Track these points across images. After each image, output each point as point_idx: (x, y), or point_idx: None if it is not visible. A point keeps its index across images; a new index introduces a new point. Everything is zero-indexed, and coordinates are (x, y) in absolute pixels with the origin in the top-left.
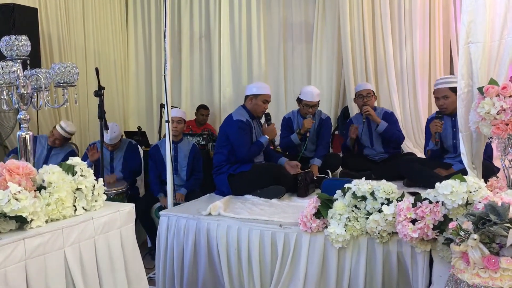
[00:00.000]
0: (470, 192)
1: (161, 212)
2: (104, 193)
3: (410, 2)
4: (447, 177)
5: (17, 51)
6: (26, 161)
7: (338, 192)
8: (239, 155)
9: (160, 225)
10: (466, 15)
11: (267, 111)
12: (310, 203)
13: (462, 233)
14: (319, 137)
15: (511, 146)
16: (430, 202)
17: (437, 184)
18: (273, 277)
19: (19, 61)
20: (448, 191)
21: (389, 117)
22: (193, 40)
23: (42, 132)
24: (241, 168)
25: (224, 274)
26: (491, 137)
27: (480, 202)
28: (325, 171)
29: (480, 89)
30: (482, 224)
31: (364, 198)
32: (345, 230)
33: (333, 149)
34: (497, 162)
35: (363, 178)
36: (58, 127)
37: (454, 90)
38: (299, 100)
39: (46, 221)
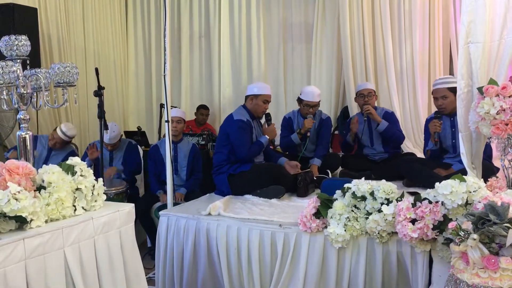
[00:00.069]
0: (470, 192)
1: (160, 212)
2: (103, 193)
3: (410, 2)
4: (447, 177)
5: (17, 51)
6: (26, 161)
7: (338, 192)
8: (239, 155)
9: (160, 225)
10: (466, 15)
11: (267, 111)
12: (309, 203)
13: (461, 233)
14: (319, 137)
15: (511, 146)
16: (430, 202)
17: (437, 184)
18: (273, 277)
19: (19, 61)
20: (448, 191)
21: (389, 117)
22: (193, 40)
23: (41, 132)
24: (241, 168)
25: (223, 274)
26: (490, 137)
27: (479, 202)
28: (324, 171)
29: (480, 89)
30: (482, 224)
31: (363, 198)
32: (345, 230)
33: (333, 149)
34: (496, 162)
35: (363, 178)
36: (59, 131)
37: (452, 90)
38: (299, 100)
39: (46, 221)
